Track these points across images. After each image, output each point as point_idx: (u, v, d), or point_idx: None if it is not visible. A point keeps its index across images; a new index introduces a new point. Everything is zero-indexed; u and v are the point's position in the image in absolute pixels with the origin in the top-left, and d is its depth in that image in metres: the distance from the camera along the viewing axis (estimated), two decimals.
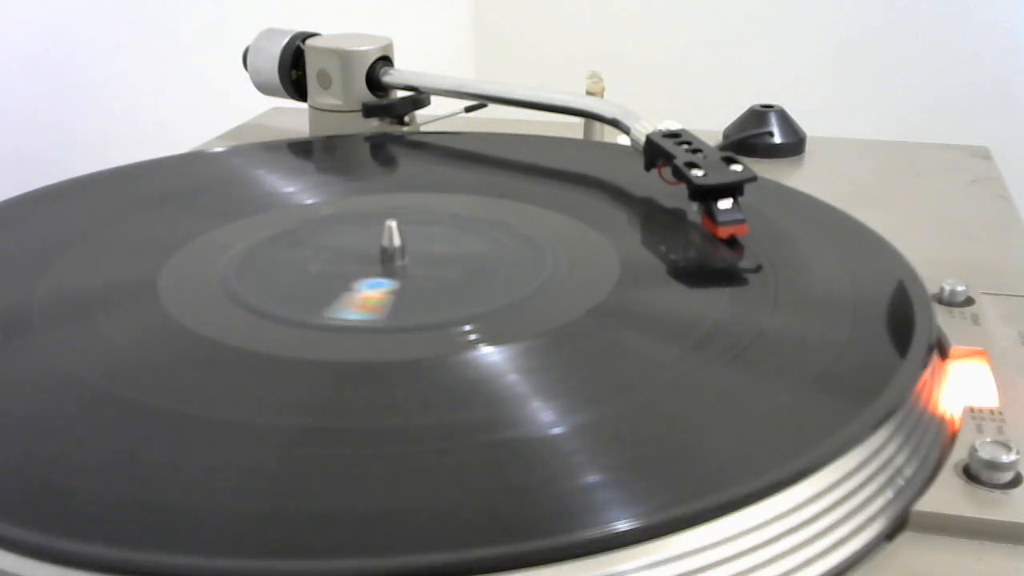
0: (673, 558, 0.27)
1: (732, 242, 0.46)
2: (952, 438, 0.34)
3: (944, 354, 0.40)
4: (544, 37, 1.50)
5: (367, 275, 0.43)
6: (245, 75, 0.70)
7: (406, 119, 0.67)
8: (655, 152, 0.51)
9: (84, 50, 0.74)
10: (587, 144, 0.66)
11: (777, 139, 0.68)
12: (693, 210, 0.48)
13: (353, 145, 0.64)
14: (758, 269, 0.44)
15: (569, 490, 0.29)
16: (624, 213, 0.52)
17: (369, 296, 0.42)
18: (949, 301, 0.44)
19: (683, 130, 0.52)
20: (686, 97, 1.37)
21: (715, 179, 0.47)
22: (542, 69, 1.34)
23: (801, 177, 0.64)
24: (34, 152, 0.70)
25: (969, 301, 0.44)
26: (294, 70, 0.68)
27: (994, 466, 0.32)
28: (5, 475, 0.31)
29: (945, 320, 0.42)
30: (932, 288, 0.43)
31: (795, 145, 0.68)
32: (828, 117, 0.92)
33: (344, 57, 0.65)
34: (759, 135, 0.67)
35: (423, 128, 0.69)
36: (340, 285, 0.43)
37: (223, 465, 0.31)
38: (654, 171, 0.51)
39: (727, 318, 0.40)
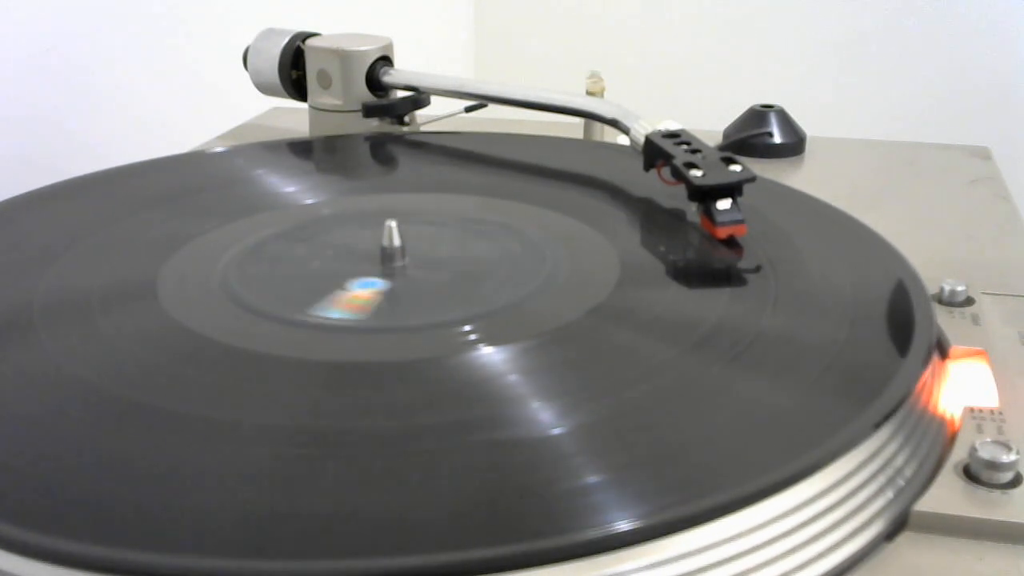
0: (673, 558, 0.27)
1: (731, 242, 0.46)
2: (952, 438, 0.34)
3: (944, 354, 0.40)
4: (544, 37, 1.50)
5: (364, 275, 0.43)
6: (245, 75, 0.70)
7: (406, 119, 0.67)
8: (654, 152, 0.51)
9: (84, 50, 0.74)
10: (587, 144, 0.66)
11: (777, 139, 0.68)
12: (693, 210, 0.48)
13: (353, 145, 0.64)
14: (758, 269, 0.44)
15: (569, 490, 0.29)
16: (624, 213, 0.52)
17: (357, 296, 0.42)
18: (949, 301, 0.44)
19: (682, 130, 0.52)
20: (686, 97, 1.37)
21: (714, 179, 0.46)
22: (542, 69, 1.34)
23: (801, 177, 0.64)
24: (34, 152, 0.70)
25: (969, 301, 0.44)
26: (294, 70, 0.68)
27: (994, 466, 0.32)
28: (5, 475, 0.31)
29: (945, 320, 0.42)
30: (932, 288, 0.43)
31: (795, 145, 0.68)
32: (828, 117, 0.92)
33: (344, 57, 0.65)
34: (759, 135, 0.67)
35: (423, 128, 0.69)
36: (339, 285, 0.43)
37: (223, 465, 0.31)
38: (654, 171, 0.51)
39: (727, 318, 0.40)
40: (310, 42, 0.67)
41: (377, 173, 0.62)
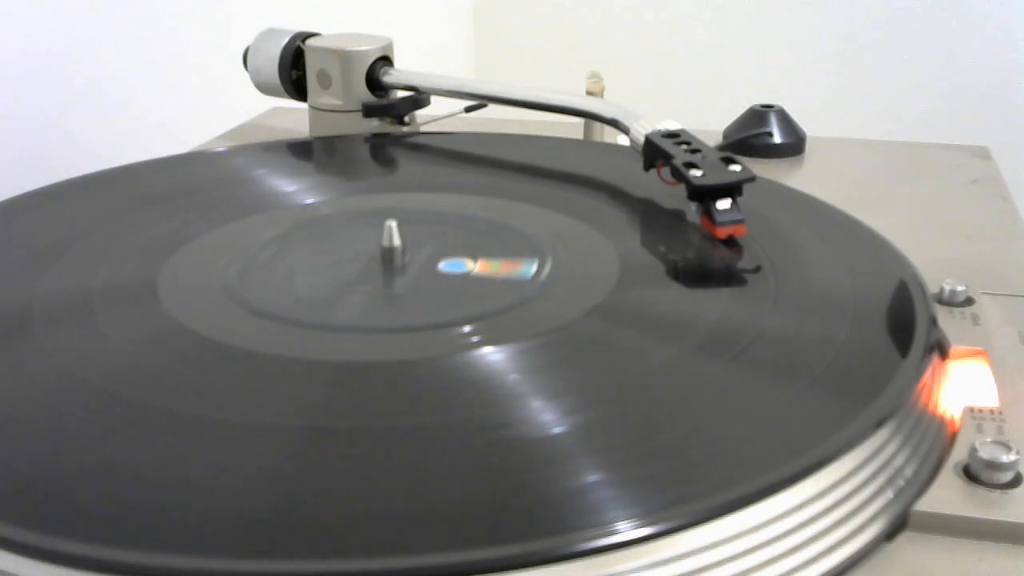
0: (673, 558, 0.27)
1: (731, 242, 0.46)
2: (952, 438, 0.34)
3: (944, 354, 0.39)
4: (544, 37, 1.50)
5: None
6: (245, 75, 0.70)
7: (406, 119, 0.67)
8: (654, 152, 0.51)
9: (84, 50, 0.74)
10: (587, 144, 0.66)
11: (777, 139, 0.68)
12: (692, 210, 0.48)
13: (353, 145, 0.64)
14: (758, 269, 0.44)
15: (569, 490, 0.29)
16: (624, 213, 0.52)
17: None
18: (949, 301, 0.44)
19: (682, 130, 0.52)
20: (686, 97, 1.37)
21: (713, 179, 0.46)
22: (542, 69, 1.34)
23: (801, 177, 0.64)
24: (34, 152, 0.70)
25: (969, 301, 0.44)
26: (294, 70, 0.68)
27: (994, 466, 0.32)
28: (5, 475, 0.31)
29: (945, 320, 0.42)
30: (932, 288, 0.43)
31: (795, 145, 0.68)
32: (828, 117, 0.92)
33: (344, 57, 0.65)
34: (759, 135, 0.67)
35: (423, 128, 0.69)
36: (340, 285, 0.43)
37: (222, 465, 0.31)
38: (654, 171, 0.51)
39: (727, 318, 0.40)
40: (310, 42, 0.67)
41: (377, 173, 0.62)
